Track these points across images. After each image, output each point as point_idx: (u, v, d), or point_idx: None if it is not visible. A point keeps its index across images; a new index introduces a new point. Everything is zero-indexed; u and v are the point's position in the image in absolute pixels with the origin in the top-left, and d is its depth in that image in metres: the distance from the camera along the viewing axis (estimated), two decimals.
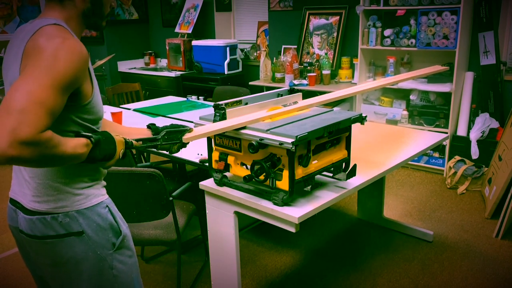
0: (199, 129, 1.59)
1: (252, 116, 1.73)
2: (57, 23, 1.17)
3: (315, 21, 4.82)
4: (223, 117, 1.70)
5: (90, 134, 1.20)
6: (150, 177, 2.04)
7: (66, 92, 1.10)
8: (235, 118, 1.72)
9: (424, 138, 2.57)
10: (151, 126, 1.57)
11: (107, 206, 1.35)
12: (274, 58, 4.92)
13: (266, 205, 1.70)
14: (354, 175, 1.88)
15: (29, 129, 0.98)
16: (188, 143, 1.55)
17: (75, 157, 1.14)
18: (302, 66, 4.79)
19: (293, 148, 1.51)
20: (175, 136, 1.53)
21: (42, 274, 1.41)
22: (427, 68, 2.61)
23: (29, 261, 1.41)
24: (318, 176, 1.92)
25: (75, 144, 1.14)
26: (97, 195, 1.33)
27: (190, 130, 1.56)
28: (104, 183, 1.39)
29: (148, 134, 1.55)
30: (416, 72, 2.59)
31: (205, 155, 2.33)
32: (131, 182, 2.05)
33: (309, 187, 1.82)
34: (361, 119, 1.81)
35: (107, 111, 3.59)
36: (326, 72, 4.50)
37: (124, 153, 1.31)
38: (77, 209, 1.27)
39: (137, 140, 1.40)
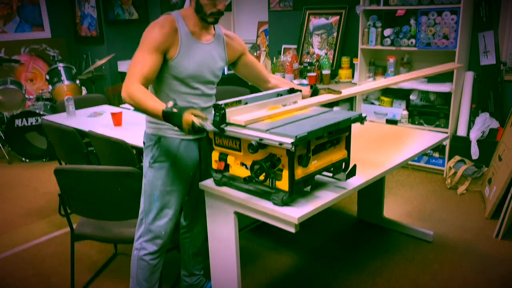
0: (253, 114, 1.77)
1: (252, 116, 1.73)
2: (168, 13, 1.86)
3: (315, 21, 4.82)
4: (223, 117, 1.70)
5: (165, 109, 1.65)
6: (130, 176, 2.07)
7: (154, 52, 1.78)
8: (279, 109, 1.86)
9: (424, 138, 2.57)
10: (312, 86, 2.10)
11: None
12: (274, 58, 4.92)
13: (266, 205, 1.70)
14: (354, 175, 1.88)
15: (126, 83, 1.73)
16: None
17: (154, 116, 1.70)
18: (302, 66, 4.79)
19: (293, 148, 1.51)
20: None
21: None
22: (441, 66, 2.61)
23: None
24: (318, 176, 1.92)
25: (154, 107, 1.68)
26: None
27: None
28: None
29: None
30: (429, 70, 2.58)
31: None
32: (112, 181, 2.08)
33: (309, 187, 1.82)
34: (361, 119, 1.81)
35: (107, 111, 3.59)
36: (326, 72, 4.50)
37: (196, 128, 1.63)
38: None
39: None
